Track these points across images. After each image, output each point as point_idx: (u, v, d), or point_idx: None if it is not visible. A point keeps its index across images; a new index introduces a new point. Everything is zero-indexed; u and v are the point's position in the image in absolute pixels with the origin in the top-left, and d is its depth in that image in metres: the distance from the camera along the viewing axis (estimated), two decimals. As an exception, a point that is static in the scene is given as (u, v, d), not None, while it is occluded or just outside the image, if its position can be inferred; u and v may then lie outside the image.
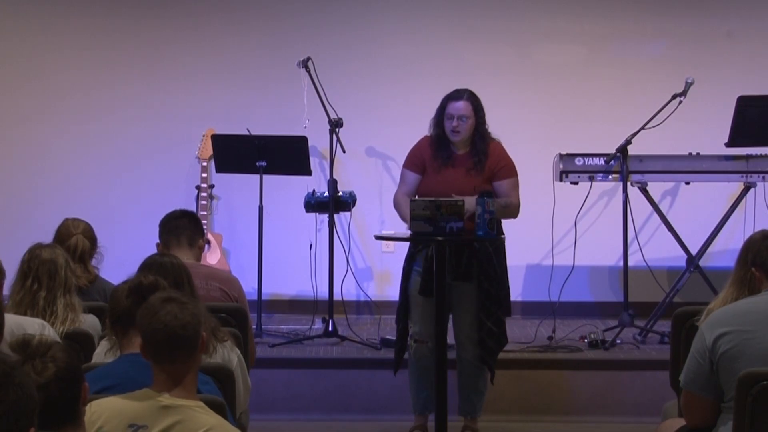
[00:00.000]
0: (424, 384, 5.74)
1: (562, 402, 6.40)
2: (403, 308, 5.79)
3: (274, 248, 7.81)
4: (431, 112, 5.89)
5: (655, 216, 7.26)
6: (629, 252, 6.95)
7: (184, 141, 8.08)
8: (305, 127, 7.55)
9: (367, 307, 8.03)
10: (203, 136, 7.98)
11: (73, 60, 8.18)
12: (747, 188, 7.09)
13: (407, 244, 5.84)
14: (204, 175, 8.01)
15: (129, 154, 8.13)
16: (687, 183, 7.41)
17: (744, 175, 7.05)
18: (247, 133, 7.22)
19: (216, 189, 8.12)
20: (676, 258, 7.29)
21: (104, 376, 3.31)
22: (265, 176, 7.19)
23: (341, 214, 7.39)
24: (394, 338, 5.98)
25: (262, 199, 7.17)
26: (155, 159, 8.12)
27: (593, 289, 8.07)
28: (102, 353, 3.73)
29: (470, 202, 5.39)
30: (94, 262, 5.13)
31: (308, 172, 7.24)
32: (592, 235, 7.78)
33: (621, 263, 7.00)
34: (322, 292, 7.36)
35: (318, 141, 7.68)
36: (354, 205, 7.11)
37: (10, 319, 3.94)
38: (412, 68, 8.04)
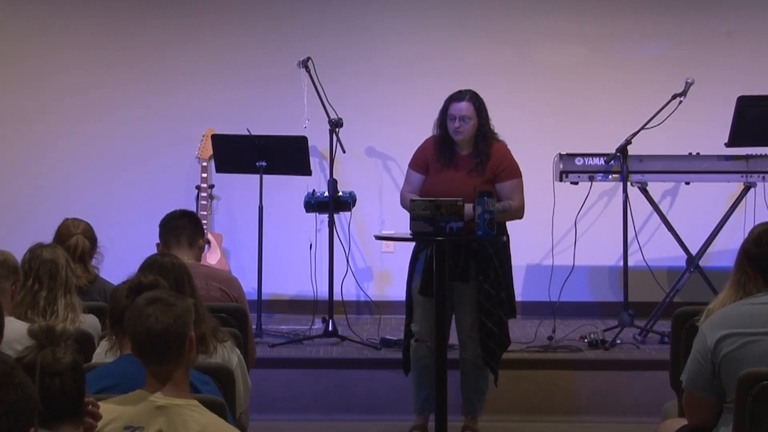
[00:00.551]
0: (424, 383, 5.74)
1: (562, 402, 6.40)
2: (408, 308, 5.81)
3: (274, 248, 7.81)
4: (431, 112, 5.89)
5: (655, 216, 7.26)
6: (629, 252, 6.95)
7: (184, 141, 8.08)
8: (305, 127, 7.55)
9: (367, 307, 8.03)
10: (203, 136, 7.98)
11: (73, 60, 8.18)
12: (747, 188, 7.09)
13: (410, 244, 5.84)
14: (204, 175, 8.01)
15: (129, 154, 8.13)
16: (687, 183, 7.41)
17: (744, 175, 7.05)
18: (247, 133, 7.22)
19: (216, 189, 8.13)
20: (676, 258, 7.29)
21: (104, 376, 3.31)
22: (265, 176, 7.19)
23: (341, 214, 7.39)
24: (395, 338, 5.99)
25: (262, 199, 7.17)
26: (155, 159, 8.12)
27: (593, 289, 8.07)
28: (102, 353, 3.73)
29: (468, 208, 5.37)
30: (94, 262, 5.13)
31: (308, 172, 7.24)
32: (592, 235, 7.78)
33: (621, 263, 7.00)
34: (322, 292, 7.36)
35: (318, 141, 7.68)
36: (354, 205, 7.11)
37: (17, 325, 3.95)
38: (412, 68, 8.04)
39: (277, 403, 6.33)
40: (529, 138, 7.90)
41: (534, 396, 6.41)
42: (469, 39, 8.15)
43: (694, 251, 7.09)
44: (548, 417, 6.36)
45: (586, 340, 6.76)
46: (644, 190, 7.06)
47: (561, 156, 7.07)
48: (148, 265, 4.06)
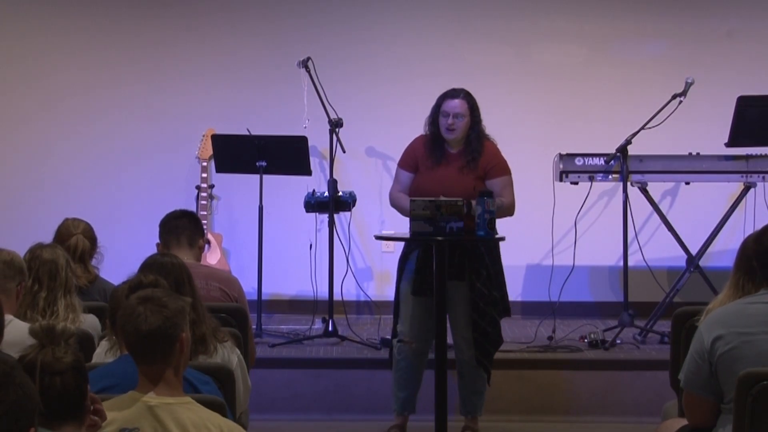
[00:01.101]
0: (404, 384, 5.77)
1: (562, 402, 6.40)
2: (396, 309, 5.82)
3: (274, 248, 7.81)
4: (432, 112, 5.90)
5: (655, 216, 7.26)
6: (629, 252, 6.95)
7: (184, 141, 8.08)
8: (305, 127, 7.55)
9: (367, 307, 8.03)
10: (203, 136, 7.98)
11: (73, 60, 8.18)
12: (747, 188, 7.09)
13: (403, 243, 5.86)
14: (204, 175, 8.01)
15: (129, 154, 8.13)
16: (687, 183, 7.41)
17: (744, 175, 7.05)
18: (247, 133, 7.22)
19: (216, 189, 8.13)
20: (676, 258, 7.30)
21: (104, 376, 3.31)
22: (265, 176, 7.19)
23: (341, 214, 7.40)
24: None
25: (262, 199, 7.17)
26: (155, 159, 8.12)
27: (593, 289, 8.07)
28: (102, 353, 3.73)
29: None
30: (94, 262, 5.13)
31: (308, 172, 7.24)
32: (592, 235, 7.78)
33: (621, 263, 7.00)
34: (322, 292, 7.36)
35: (318, 141, 7.68)
36: (354, 205, 7.11)
37: (20, 325, 3.95)
38: (412, 68, 8.04)
39: (277, 403, 6.33)
40: (529, 138, 7.92)
41: (534, 396, 6.41)
42: (469, 39, 8.15)
43: (694, 251, 7.09)
44: (548, 417, 6.36)
45: (586, 340, 6.76)
46: (644, 190, 7.06)
47: (561, 156, 7.07)
48: (148, 265, 4.06)
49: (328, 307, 7.04)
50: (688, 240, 7.13)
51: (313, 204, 7.12)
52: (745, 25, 8.13)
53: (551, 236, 7.28)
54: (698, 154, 7.10)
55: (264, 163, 7.15)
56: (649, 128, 6.83)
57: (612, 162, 6.95)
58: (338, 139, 7.10)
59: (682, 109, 6.89)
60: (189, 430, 2.95)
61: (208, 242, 7.42)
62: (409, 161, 5.84)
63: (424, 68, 8.01)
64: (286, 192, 7.71)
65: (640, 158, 7.03)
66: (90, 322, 4.42)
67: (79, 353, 2.63)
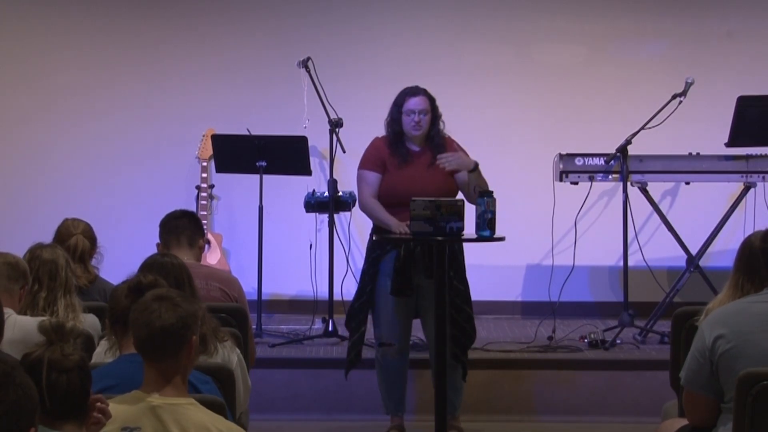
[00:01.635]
0: (393, 386, 5.80)
1: (562, 402, 6.40)
2: (362, 311, 5.78)
3: (274, 248, 7.80)
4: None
5: (655, 216, 7.26)
6: (629, 252, 6.95)
7: (184, 141, 8.08)
8: (305, 127, 7.55)
9: (367, 307, 8.02)
10: (203, 136, 7.98)
11: (73, 60, 8.18)
12: (747, 188, 7.09)
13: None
14: (204, 175, 8.01)
15: (129, 154, 8.13)
16: (687, 183, 7.41)
17: (744, 175, 7.05)
18: (247, 133, 7.22)
19: (216, 189, 8.13)
20: (676, 258, 7.29)
21: (104, 376, 3.31)
22: (265, 176, 7.19)
23: (341, 214, 7.40)
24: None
25: (262, 199, 7.17)
26: (155, 159, 8.12)
27: (593, 289, 8.07)
28: (102, 353, 3.73)
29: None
30: (94, 262, 5.13)
31: (308, 172, 7.24)
32: (592, 235, 7.78)
33: (621, 263, 7.00)
34: (322, 292, 7.36)
35: (318, 141, 7.68)
36: (354, 205, 7.10)
37: (26, 320, 3.96)
38: (412, 68, 8.03)
39: (277, 403, 6.33)
40: (529, 138, 7.92)
41: (534, 396, 6.41)
42: (469, 39, 8.15)
43: (694, 251, 7.09)
44: (548, 417, 6.36)
45: (586, 340, 6.76)
46: (644, 190, 7.06)
47: (561, 156, 7.07)
48: (148, 265, 4.06)
49: (328, 307, 7.04)
50: (688, 240, 7.13)
51: (313, 204, 7.13)
52: (745, 25, 8.13)
53: (551, 236, 7.27)
54: (698, 154, 7.10)
55: (264, 163, 7.15)
56: (649, 128, 6.83)
57: (612, 162, 6.95)
58: (338, 139, 7.10)
59: (682, 109, 6.89)
60: (190, 432, 2.96)
61: (208, 242, 7.42)
62: (376, 162, 5.82)
63: (424, 68, 8.00)
64: (286, 192, 7.70)
65: (640, 158, 7.03)
66: (90, 322, 4.43)
67: (84, 353, 2.64)
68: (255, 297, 6.99)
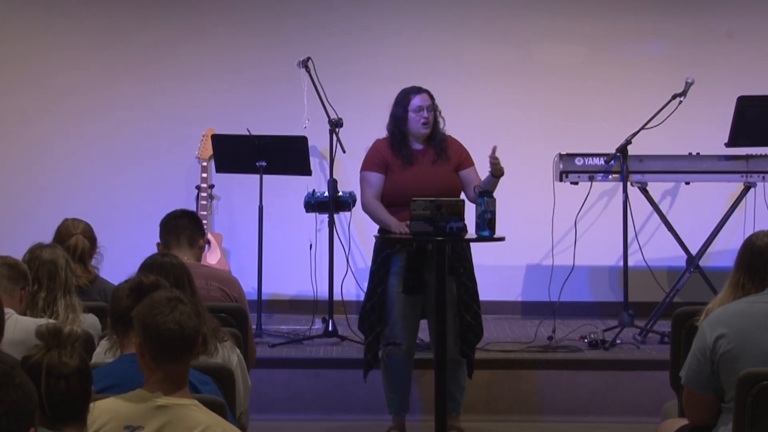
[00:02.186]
0: (398, 386, 5.80)
1: (562, 402, 6.40)
2: (374, 312, 5.78)
3: (274, 248, 7.80)
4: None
5: (655, 216, 7.26)
6: (629, 252, 6.95)
7: (184, 141, 8.08)
8: (305, 127, 7.55)
9: (367, 307, 8.02)
10: (203, 136, 7.98)
11: (73, 60, 8.18)
12: (747, 188, 7.09)
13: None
14: (204, 175, 8.01)
15: (129, 154, 8.13)
16: (687, 183, 7.41)
17: (744, 175, 7.05)
18: (247, 133, 7.22)
19: (216, 189, 8.12)
20: (676, 258, 7.29)
21: (104, 376, 3.31)
22: (265, 176, 7.19)
23: (341, 214, 7.39)
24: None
25: (262, 199, 7.17)
26: (155, 159, 8.12)
27: (593, 289, 8.07)
28: (102, 353, 3.73)
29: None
30: (94, 262, 5.13)
31: (308, 172, 7.24)
32: (592, 235, 7.78)
33: (621, 263, 7.00)
34: (322, 292, 7.36)
35: (318, 141, 7.68)
36: (354, 205, 7.11)
37: (25, 322, 3.96)
38: (412, 68, 8.02)
39: (277, 403, 6.33)
40: (529, 138, 7.92)
41: (534, 396, 6.41)
42: (469, 39, 8.15)
43: (694, 251, 7.09)
44: (548, 417, 6.36)
45: (586, 340, 6.76)
46: (644, 190, 7.06)
47: (561, 156, 7.07)
48: (148, 265, 4.06)
49: (328, 307, 7.04)
50: (688, 240, 7.13)
51: (313, 204, 7.13)
52: (745, 25, 8.12)
53: (551, 236, 7.27)
54: (698, 154, 7.10)
55: (264, 163, 7.15)
56: (649, 128, 6.83)
57: (612, 162, 6.95)
58: (338, 139, 7.10)
59: (682, 109, 6.88)
60: (192, 433, 2.96)
61: (208, 242, 7.41)
62: (378, 163, 5.83)
63: (424, 68, 7.99)
64: (286, 192, 7.70)
65: (640, 158, 7.03)
66: (90, 322, 4.43)
67: (84, 355, 2.62)
68: (255, 297, 6.99)
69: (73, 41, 8.20)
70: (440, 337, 5.42)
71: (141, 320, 3.06)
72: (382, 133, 5.95)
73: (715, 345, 3.59)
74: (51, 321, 2.69)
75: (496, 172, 5.64)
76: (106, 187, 8.12)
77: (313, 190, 7.17)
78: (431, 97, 5.82)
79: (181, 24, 8.19)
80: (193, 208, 7.74)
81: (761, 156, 7.06)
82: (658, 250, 7.64)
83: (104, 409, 2.99)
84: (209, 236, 7.54)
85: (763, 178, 7.06)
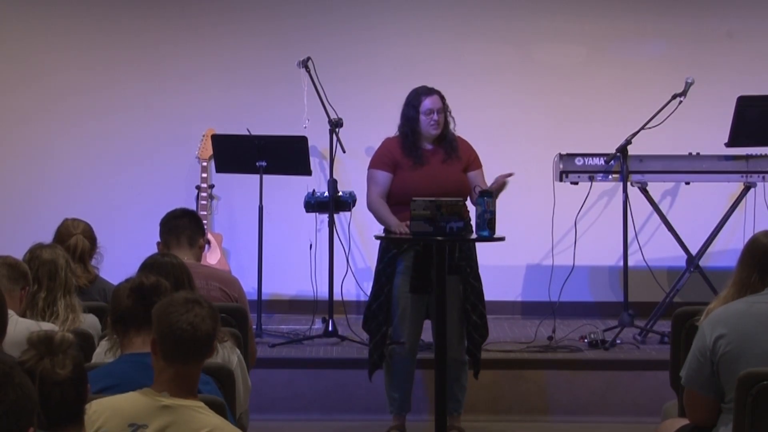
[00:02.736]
0: (401, 385, 5.81)
1: (562, 402, 6.40)
2: (381, 312, 5.78)
3: (274, 248, 7.80)
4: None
5: (655, 216, 7.26)
6: (629, 252, 6.95)
7: (184, 141, 8.08)
8: (305, 127, 7.55)
9: (367, 307, 8.02)
10: (203, 136, 7.98)
11: (73, 60, 8.18)
12: (747, 188, 7.09)
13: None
14: (204, 175, 8.01)
15: (129, 154, 8.13)
16: (687, 183, 7.41)
17: (744, 175, 7.05)
18: (247, 133, 7.22)
19: (216, 189, 8.12)
20: (676, 258, 7.29)
21: (104, 376, 3.31)
22: (265, 176, 7.19)
23: (341, 214, 7.39)
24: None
25: (262, 199, 7.18)
26: (155, 159, 8.12)
27: (593, 289, 8.07)
28: (102, 353, 3.73)
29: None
30: (94, 262, 5.13)
31: (308, 172, 7.24)
32: (592, 235, 7.78)
33: (621, 263, 7.00)
34: (322, 292, 7.36)
35: (318, 141, 7.68)
36: (354, 205, 7.12)
37: (25, 323, 3.96)
38: (412, 68, 8.03)
39: (277, 403, 6.33)
40: (530, 138, 7.92)
41: (534, 396, 6.41)
42: (469, 39, 8.15)
43: (694, 251, 7.09)
44: (548, 417, 6.36)
45: (586, 340, 6.76)
46: (644, 190, 7.06)
47: (561, 156, 7.07)
48: (148, 265, 4.06)
49: (328, 307, 7.04)
50: (688, 240, 7.13)
51: (313, 204, 7.13)
52: (745, 25, 8.12)
53: (551, 236, 7.27)
54: (698, 154, 7.10)
55: (264, 163, 7.15)
56: (649, 128, 6.83)
57: (612, 162, 6.95)
58: (338, 139, 7.11)
59: (682, 109, 6.88)
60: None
61: (208, 242, 7.41)
62: (387, 162, 5.84)
63: (424, 68, 7.99)
64: (286, 192, 7.70)
65: (640, 158, 7.03)
66: (90, 322, 4.43)
67: (79, 358, 2.59)
68: (255, 297, 6.99)
69: (73, 41, 8.20)
70: (441, 336, 5.42)
71: (157, 317, 3.08)
72: (383, 133, 5.96)
73: (715, 345, 3.59)
74: (43, 330, 2.66)
75: (498, 188, 5.63)
76: (106, 187, 8.12)
77: (313, 190, 7.17)
78: (442, 98, 5.84)
79: (181, 24, 8.19)
80: (193, 208, 7.73)
81: (761, 156, 7.06)
82: (658, 250, 7.64)
83: (107, 407, 2.99)
84: (209, 236, 7.54)
85: (763, 178, 7.06)
